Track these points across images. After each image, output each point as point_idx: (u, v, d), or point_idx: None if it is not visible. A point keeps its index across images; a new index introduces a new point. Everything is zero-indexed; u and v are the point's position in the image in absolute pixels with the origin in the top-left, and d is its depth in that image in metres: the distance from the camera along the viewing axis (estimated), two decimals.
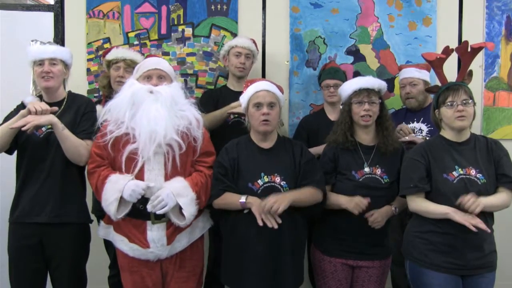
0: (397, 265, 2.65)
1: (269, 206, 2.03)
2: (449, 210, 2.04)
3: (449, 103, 2.12)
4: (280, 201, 2.04)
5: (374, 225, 2.23)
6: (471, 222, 1.97)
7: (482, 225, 1.98)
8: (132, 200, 2.09)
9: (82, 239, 2.44)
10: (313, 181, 2.21)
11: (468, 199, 1.99)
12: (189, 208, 2.13)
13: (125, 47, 3.04)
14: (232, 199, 2.15)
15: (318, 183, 2.22)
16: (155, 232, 2.15)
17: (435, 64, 2.27)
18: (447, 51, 2.28)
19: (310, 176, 2.22)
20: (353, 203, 2.19)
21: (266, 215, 2.04)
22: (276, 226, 2.03)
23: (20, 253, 2.32)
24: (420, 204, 2.13)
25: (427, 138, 2.73)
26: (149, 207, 2.09)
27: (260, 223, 2.03)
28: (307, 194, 2.17)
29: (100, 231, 2.35)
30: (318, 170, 2.28)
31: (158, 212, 2.10)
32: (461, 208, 2.02)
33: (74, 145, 2.27)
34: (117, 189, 2.10)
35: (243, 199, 2.12)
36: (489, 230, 2.02)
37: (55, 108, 2.27)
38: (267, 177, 2.18)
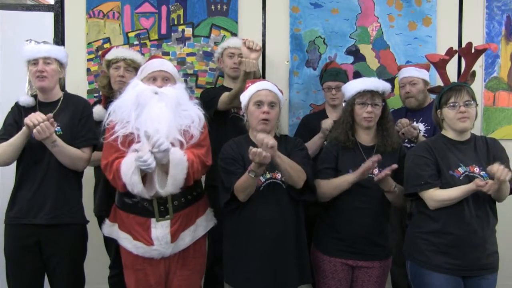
0: (397, 265, 2.65)
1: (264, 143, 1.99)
2: (473, 185, 1.99)
3: (451, 104, 2.13)
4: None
5: (381, 175, 2.17)
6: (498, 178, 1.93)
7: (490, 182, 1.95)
8: (147, 166, 1.99)
9: (80, 239, 2.43)
10: (300, 162, 2.19)
11: (497, 169, 1.95)
12: (176, 169, 2.07)
13: (125, 47, 3.04)
14: (243, 179, 2.10)
15: (304, 164, 2.20)
16: (159, 230, 2.15)
17: (438, 65, 2.27)
18: (450, 52, 2.29)
19: (297, 156, 2.22)
20: (361, 171, 2.17)
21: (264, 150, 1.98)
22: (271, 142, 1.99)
23: (18, 254, 2.31)
24: (442, 194, 2.08)
25: (424, 135, 2.74)
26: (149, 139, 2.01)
27: (271, 142, 1.99)
28: (291, 163, 2.14)
29: (104, 229, 2.35)
30: (307, 158, 2.29)
31: (154, 150, 2.00)
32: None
33: (69, 158, 2.30)
34: (130, 163, 2.06)
35: (248, 172, 2.07)
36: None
37: (50, 115, 2.24)
38: (269, 173, 2.20)
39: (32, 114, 2.20)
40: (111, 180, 2.17)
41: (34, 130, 2.15)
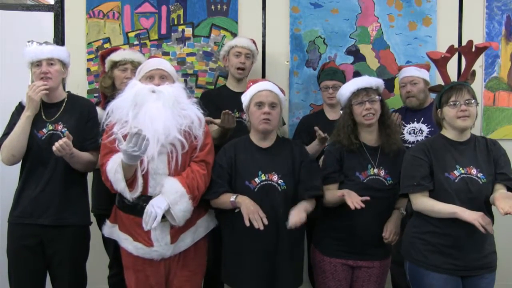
0: (397, 265, 2.65)
1: (292, 224, 2.06)
2: (456, 209, 2.01)
3: (452, 103, 2.12)
4: (301, 216, 2.08)
5: (393, 238, 2.24)
6: (481, 222, 1.92)
7: (490, 227, 1.93)
8: (132, 160, 2.02)
9: (82, 239, 2.44)
10: (310, 187, 2.22)
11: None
12: (180, 214, 2.13)
13: (135, 49, 3.04)
14: (224, 199, 2.16)
15: (315, 189, 2.23)
16: (159, 231, 2.15)
17: (439, 63, 2.27)
18: (451, 50, 2.28)
19: (308, 180, 2.23)
20: (350, 197, 2.16)
21: (254, 215, 2.02)
22: (262, 227, 2.00)
23: (20, 254, 2.32)
24: (426, 203, 2.10)
25: (427, 136, 2.73)
26: (145, 226, 2.09)
27: (247, 223, 2.01)
28: (308, 207, 2.19)
29: (105, 230, 2.35)
30: (318, 174, 2.29)
31: (152, 227, 2.08)
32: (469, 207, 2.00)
33: (83, 164, 2.33)
34: (115, 161, 2.10)
35: (233, 198, 2.12)
36: (492, 232, 1.96)
37: (70, 137, 2.24)
38: (264, 175, 2.19)
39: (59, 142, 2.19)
40: (104, 181, 2.18)
41: (54, 148, 2.16)
